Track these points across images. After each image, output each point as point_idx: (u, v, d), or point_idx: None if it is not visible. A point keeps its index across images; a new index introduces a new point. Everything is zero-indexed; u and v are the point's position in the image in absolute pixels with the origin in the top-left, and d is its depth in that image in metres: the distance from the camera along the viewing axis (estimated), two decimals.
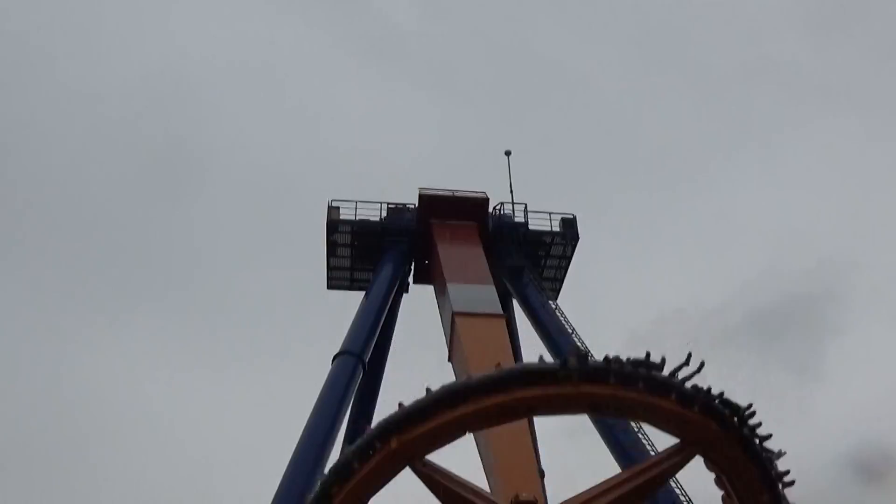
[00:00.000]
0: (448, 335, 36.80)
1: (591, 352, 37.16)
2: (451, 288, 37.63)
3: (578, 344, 38.42)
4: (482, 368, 30.23)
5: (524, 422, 30.08)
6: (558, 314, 40.49)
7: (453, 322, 35.29)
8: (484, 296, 37.08)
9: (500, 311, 36.52)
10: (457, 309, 35.41)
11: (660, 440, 35.17)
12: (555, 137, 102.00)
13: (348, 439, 42.62)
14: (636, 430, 35.45)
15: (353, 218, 44.42)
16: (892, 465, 74.55)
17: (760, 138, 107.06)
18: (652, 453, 34.22)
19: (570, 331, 39.32)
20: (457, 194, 44.55)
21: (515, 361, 35.67)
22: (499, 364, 15.98)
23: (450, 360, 36.76)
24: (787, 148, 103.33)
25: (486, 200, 44.52)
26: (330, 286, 46.91)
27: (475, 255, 41.53)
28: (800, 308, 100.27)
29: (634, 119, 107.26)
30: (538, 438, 45.12)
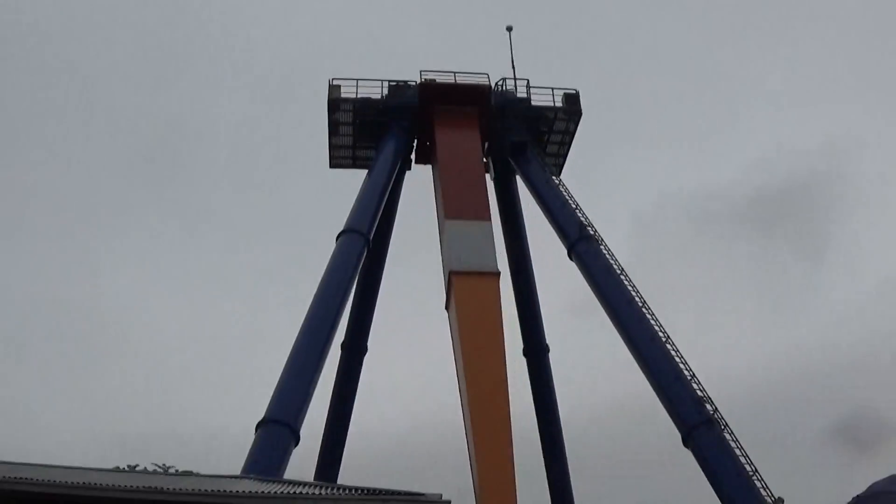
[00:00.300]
0: (445, 283, 37.51)
1: (594, 226, 37.79)
2: (449, 227, 38.47)
3: (581, 219, 38.65)
4: (471, 335, 33.96)
5: (508, 450, 31.42)
6: (561, 189, 40.50)
7: (450, 279, 36.38)
8: (481, 238, 37.94)
9: (495, 269, 37.40)
10: (453, 267, 36.75)
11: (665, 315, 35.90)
12: (559, 15, 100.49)
13: (353, 319, 43.29)
14: (640, 304, 35.86)
15: (354, 96, 44.07)
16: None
17: (769, 20, 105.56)
18: (657, 327, 34.80)
19: (573, 206, 39.35)
20: (459, 80, 44.20)
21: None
22: None
23: (446, 308, 37.63)
24: (795, 30, 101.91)
25: (488, 87, 44.20)
26: (332, 165, 46.84)
27: (474, 168, 42.06)
28: (803, 190, 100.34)
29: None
30: (542, 312, 46.08)
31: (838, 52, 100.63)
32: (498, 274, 37.30)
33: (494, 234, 40.01)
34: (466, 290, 35.99)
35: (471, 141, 42.81)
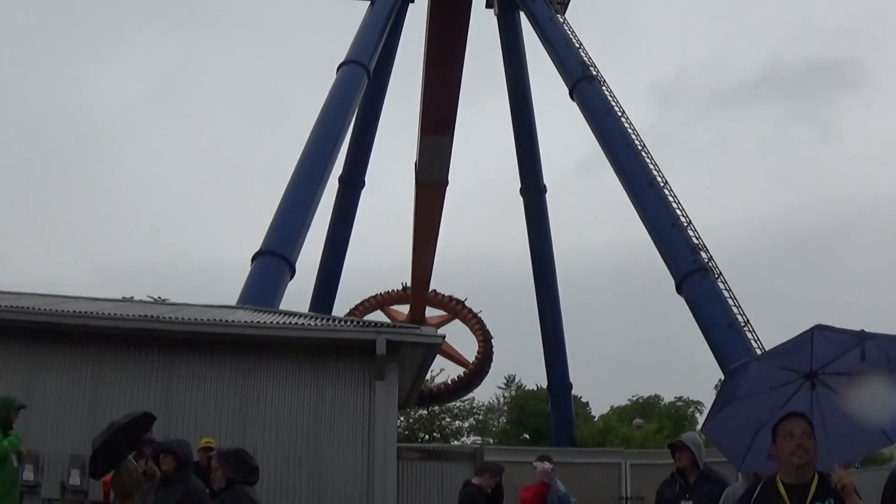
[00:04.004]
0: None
1: (596, 65, 37.05)
2: (423, 141, 45.06)
3: (584, 58, 37.90)
4: (420, 218, 47.41)
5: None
6: (565, 28, 39.55)
7: (416, 184, 47.67)
8: (443, 152, 45.28)
9: (445, 181, 47.37)
10: (419, 181, 46.89)
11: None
12: None
13: (351, 152, 43.01)
14: (639, 147, 35.47)
15: None
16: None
17: None
18: (655, 172, 34.52)
19: (577, 45, 38.48)
20: None
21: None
22: None
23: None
24: None
25: None
26: None
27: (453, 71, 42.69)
28: (823, 70, 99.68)
29: None
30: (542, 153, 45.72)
31: None
32: (446, 184, 47.21)
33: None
34: (423, 195, 47.18)
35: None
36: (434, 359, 19.38)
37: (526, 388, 67.58)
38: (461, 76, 43.74)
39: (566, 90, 37.89)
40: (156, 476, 10.66)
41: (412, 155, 47.24)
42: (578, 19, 44.66)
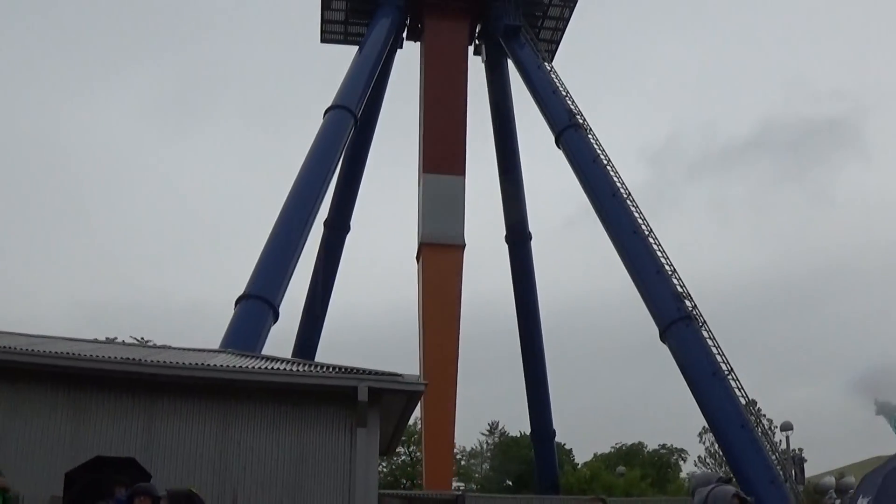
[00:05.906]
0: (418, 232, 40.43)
1: (584, 116, 37.31)
2: (426, 181, 40.38)
3: (571, 106, 38.19)
4: (432, 302, 38.51)
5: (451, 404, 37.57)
6: (552, 76, 39.91)
7: (420, 246, 40.10)
8: (453, 199, 40.06)
9: (461, 241, 40.13)
10: (424, 240, 39.93)
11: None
12: None
13: (337, 196, 43.05)
14: (624, 196, 35.68)
15: None
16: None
17: None
18: (640, 221, 34.69)
19: (563, 93, 38.82)
20: None
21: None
22: None
23: (417, 260, 40.45)
24: None
25: None
26: (324, 40, 46.14)
27: (457, 100, 41.66)
28: (814, 133, 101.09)
29: None
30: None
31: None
32: (462, 246, 40.15)
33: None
34: (433, 262, 39.55)
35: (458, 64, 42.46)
36: (416, 406, 19.33)
37: (509, 435, 67.25)
38: (466, 100, 43.17)
39: (552, 138, 38.20)
40: None
41: (398, 198, 46.88)
42: (568, 80, 44.47)
